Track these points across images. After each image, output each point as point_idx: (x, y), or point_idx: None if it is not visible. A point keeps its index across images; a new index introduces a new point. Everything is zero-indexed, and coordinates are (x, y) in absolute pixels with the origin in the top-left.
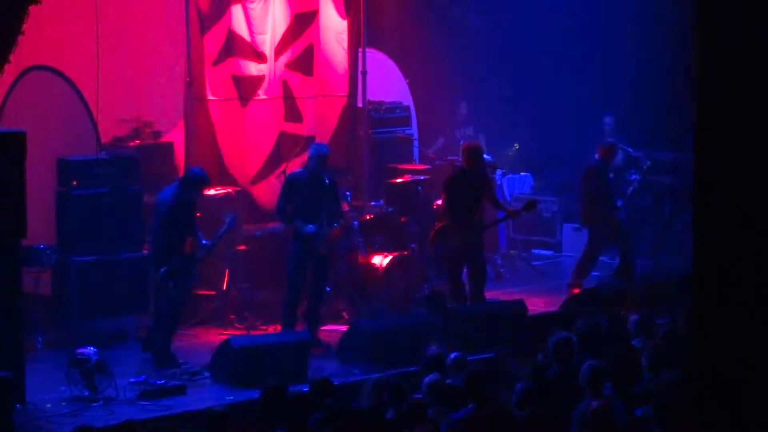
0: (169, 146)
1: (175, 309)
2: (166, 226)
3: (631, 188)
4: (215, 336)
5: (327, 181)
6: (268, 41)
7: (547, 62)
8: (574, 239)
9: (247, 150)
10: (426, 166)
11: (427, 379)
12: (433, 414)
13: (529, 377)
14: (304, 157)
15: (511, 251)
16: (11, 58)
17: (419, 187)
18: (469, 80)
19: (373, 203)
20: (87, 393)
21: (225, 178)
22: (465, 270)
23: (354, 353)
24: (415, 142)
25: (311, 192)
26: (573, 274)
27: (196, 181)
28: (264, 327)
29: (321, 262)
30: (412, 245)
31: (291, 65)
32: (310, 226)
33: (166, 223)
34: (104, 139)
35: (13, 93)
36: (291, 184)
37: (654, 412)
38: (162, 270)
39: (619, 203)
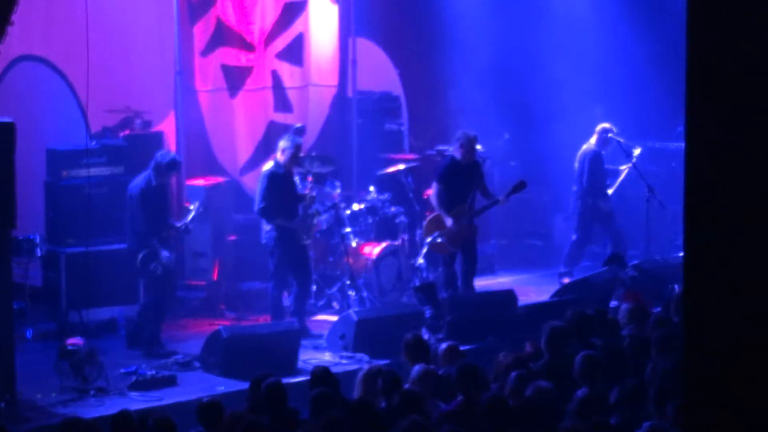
0: (159, 136)
1: (162, 292)
2: (141, 214)
3: (621, 176)
4: (206, 326)
5: (301, 170)
6: (256, 31)
7: (538, 52)
8: (564, 228)
9: (237, 140)
10: (416, 156)
11: (417, 369)
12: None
13: (518, 367)
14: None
15: (502, 241)
16: (0, 48)
17: (409, 177)
18: (459, 70)
19: (363, 193)
20: (77, 384)
21: (214, 168)
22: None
23: (344, 343)
24: (405, 132)
25: (288, 186)
26: (564, 263)
27: (168, 165)
28: (254, 317)
29: (303, 253)
30: (403, 235)
31: (281, 55)
32: (295, 219)
33: (142, 210)
34: (93, 129)
35: (3, 83)
36: (269, 181)
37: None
38: (141, 255)
39: (609, 191)
